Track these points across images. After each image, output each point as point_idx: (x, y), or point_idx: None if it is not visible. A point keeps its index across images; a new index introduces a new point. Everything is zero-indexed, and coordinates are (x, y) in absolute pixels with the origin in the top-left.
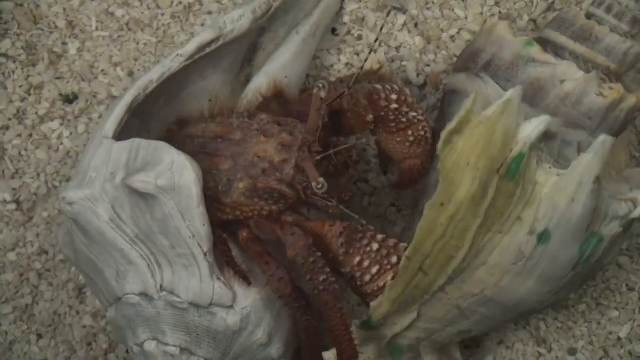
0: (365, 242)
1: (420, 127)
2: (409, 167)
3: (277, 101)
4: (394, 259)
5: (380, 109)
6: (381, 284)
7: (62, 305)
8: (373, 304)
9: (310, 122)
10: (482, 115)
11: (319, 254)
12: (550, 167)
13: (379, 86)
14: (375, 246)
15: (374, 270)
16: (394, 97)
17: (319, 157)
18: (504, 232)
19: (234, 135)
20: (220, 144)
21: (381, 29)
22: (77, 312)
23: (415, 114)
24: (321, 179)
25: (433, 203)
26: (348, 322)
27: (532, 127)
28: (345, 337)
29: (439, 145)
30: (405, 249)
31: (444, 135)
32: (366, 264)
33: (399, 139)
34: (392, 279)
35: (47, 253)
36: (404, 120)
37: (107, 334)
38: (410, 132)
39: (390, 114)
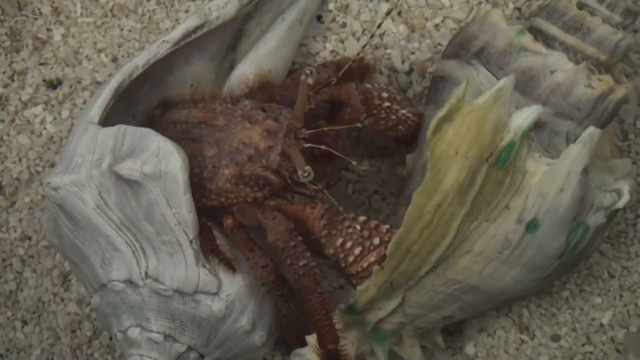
0: (347, 223)
1: (410, 122)
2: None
3: (262, 91)
4: (376, 240)
5: (374, 107)
6: (365, 264)
7: (47, 292)
8: (359, 288)
9: (297, 108)
10: (473, 104)
11: (300, 238)
12: (540, 156)
13: (369, 85)
14: (357, 227)
15: (357, 251)
16: (385, 95)
17: (305, 144)
18: (490, 220)
19: (217, 121)
20: (204, 130)
21: (378, 26)
22: (62, 299)
23: (404, 112)
24: (307, 167)
25: (421, 191)
26: (329, 307)
27: (524, 116)
28: (326, 321)
29: (428, 132)
30: (388, 230)
31: (433, 122)
32: (348, 245)
33: (390, 133)
34: (376, 260)
35: (30, 239)
36: (394, 118)
37: (92, 321)
38: (401, 127)
39: (382, 112)
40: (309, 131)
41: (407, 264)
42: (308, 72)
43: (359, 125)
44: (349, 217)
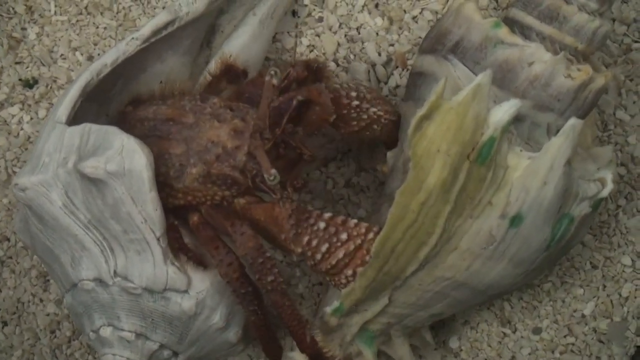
0: (311, 221)
1: (383, 119)
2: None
3: (226, 78)
4: (344, 236)
5: (343, 107)
6: (333, 261)
7: (26, 293)
8: (345, 290)
9: (262, 108)
10: (452, 101)
11: (268, 254)
12: (521, 150)
13: (337, 85)
14: (321, 225)
15: (324, 248)
16: (353, 94)
17: (269, 145)
18: (474, 216)
19: (186, 119)
20: (172, 127)
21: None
22: (41, 300)
23: (375, 109)
24: (273, 171)
25: (404, 189)
26: (300, 315)
27: (503, 111)
28: (300, 330)
29: (409, 131)
30: (356, 224)
31: (414, 121)
32: (314, 242)
33: (367, 133)
34: (345, 256)
35: (8, 240)
36: (365, 117)
37: (71, 321)
38: (375, 126)
39: (352, 111)
40: (277, 131)
41: (393, 263)
42: (273, 72)
43: (326, 126)
44: (314, 214)
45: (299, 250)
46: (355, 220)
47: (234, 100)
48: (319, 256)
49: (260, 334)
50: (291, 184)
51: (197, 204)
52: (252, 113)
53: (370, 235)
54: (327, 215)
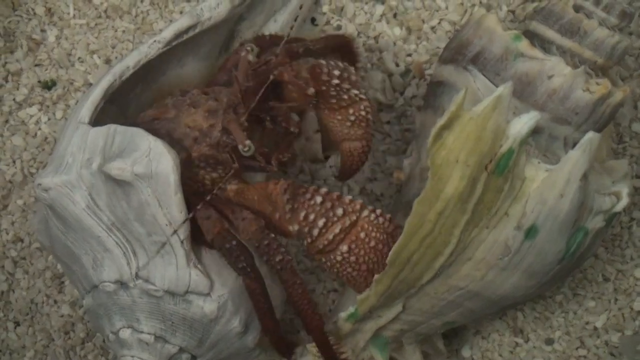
0: (308, 195)
1: (362, 107)
2: (349, 150)
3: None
4: (339, 211)
5: (322, 83)
6: (330, 236)
7: (39, 294)
8: (360, 297)
9: (236, 85)
10: (472, 111)
11: (272, 235)
12: (539, 162)
13: (322, 61)
14: (318, 199)
15: (321, 223)
16: (336, 72)
17: (244, 117)
18: (490, 227)
19: (168, 114)
20: (157, 125)
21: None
22: (55, 301)
23: (357, 92)
24: (247, 142)
25: (422, 199)
26: (309, 296)
27: (522, 124)
28: (309, 309)
29: (429, 140)
30: (351, 201)
31: (434, 131)
32: (312, 217)
33: (339, 117)
34: (341, 231)
35: (22, 241)
36: (345, 97)
37: (85, 323)
38: (351, 111)
39: (332, 89)
40: (252, 103)
41: (408, 272)
42: (249, 48)
43: (311, 101)
44: (310, 189)
45: (296, 227)
46: (349, 197)
47: (211, 86)
48: (315, 232)
49: (266, 327)
50: (276, 157)
51: (194, 193)
52: (225, 92)
53: (365, 213)
54: (323, 190)
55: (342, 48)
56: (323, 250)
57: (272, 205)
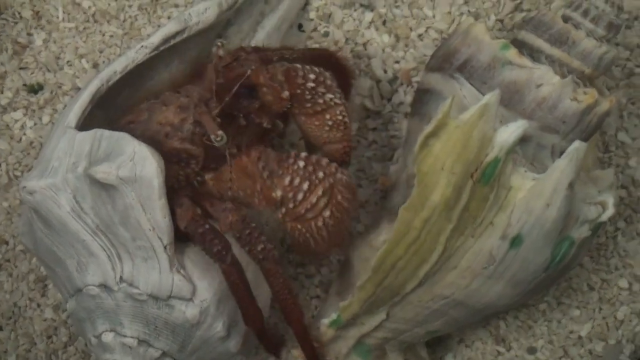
0: (291, 160)
1: (338, 111)
2: (331, 153)
3: None
4: (320, 174)
5: (297, 86)
6: (314, 199)
7: (23, 297)
8: (343, 303)
9: (207, 81)
10: (459, 119)
11: (253, 224)
12: (525, 171)
13: (298, 65)
14: (301, 163)
15: (305, 186)
16: (311, 76)
17: (217, 110)
18: (475, 236)
19: (142, 116)
20: (131, 127)
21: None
22: (38, 305)
23: (332, 96)
24: (220, 132)
25: (408, 206)
26: (291, 286)
27: (509, 132)
28: (290, 300)
29: (415, 148)
30: (328, 163)
31: (420, 138)
32: (297, 181)
33: (317, 123)
34: (323, 194)
35: (7, 243)
36: (321, 101)
37: (68, 327)
38: (328, 116)
39: (307, 92)
40: (224, 98)
41: (392, 279)
42: (219, 43)
43: (286, 105)
44: (292, 154)
45: (279, 193)
46: (326, 159)
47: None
48: (300, 196)
49: (254, 327)
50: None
51: (172, 190)
52: (197, 89)
53: (339, 175)
54: (303, 154)
55: (332, 65)
56: (304, 215)
57: (251, 178)
